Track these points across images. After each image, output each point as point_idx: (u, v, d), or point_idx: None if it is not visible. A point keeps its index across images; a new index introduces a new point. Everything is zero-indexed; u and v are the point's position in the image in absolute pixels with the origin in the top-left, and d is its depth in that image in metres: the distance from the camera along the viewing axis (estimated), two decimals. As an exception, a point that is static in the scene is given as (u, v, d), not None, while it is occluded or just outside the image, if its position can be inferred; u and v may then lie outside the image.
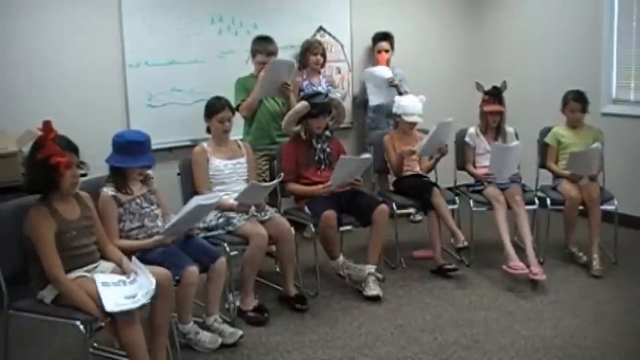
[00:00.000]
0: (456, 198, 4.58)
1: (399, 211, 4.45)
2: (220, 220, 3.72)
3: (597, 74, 5.33)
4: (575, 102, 4.53)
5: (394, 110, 4.68)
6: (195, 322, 3.39)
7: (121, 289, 2.78)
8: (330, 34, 5.57)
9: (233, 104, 4.14)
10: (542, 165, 4.72)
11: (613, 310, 3.75)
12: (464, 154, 4.71)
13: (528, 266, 4.09)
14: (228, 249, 3.60)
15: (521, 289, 4.06)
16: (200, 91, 4.74)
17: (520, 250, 4.27)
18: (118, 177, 3.23)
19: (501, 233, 4.26)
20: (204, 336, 3.36)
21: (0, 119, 4.12)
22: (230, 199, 3.73)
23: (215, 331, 3.42)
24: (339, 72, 5.69)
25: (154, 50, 4.74)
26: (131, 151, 3.19)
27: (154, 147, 3.36)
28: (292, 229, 3.84)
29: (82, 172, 2.93)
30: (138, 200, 3.25)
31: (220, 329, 3.43)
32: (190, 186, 3.85)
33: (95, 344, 3.25)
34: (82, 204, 2.95)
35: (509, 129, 4.64)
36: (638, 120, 5.14)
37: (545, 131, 4.71)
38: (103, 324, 2.77)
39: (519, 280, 4.11)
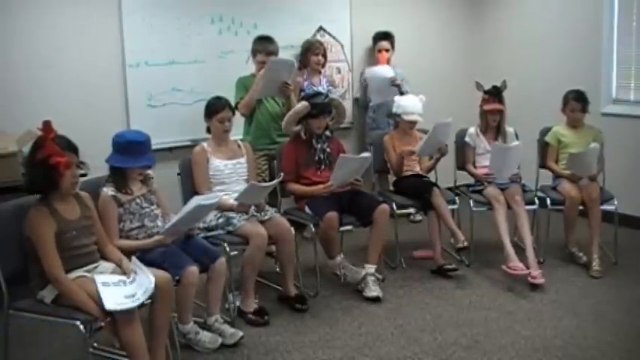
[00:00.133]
0: (456, 198, 4.58)
1: (399, 211, 4.45)
2: (220, 220, 3.72)
3: (597, 74, 5.33)
4: (576, 102, 4.53)
5: (394, 110, 4.67)
6: (196, 322, 3.40)
7: (121, 289, 2.79)
8: (330, 34, 5.57)
9: (233, 103, 4.14)
10: (543, 165, 4.72)
11: (613, 310, 3.75)
12: (464, 154, 4.71)
13: (528, 268, 4.09)
14: (228, 249, 3.60)
15: (521, 289, 4.05)
16: (200, 91, 4.75)
17: (520, 250, 4.27)
18: (118, 177, 3.23)
19: (501, 233, 4.26)
20: (204, 336, 3.37)
21: (0, 119, 4.12)
22: (230, 199, 3.73)
23: (216, 332, 3.42)
24: (339, 72, 5.69)
25: (154, 50, 4.74)
26: (131, 151, 3.19)
27: (154, 147, 3.36)
28: (292, 229, 3.84)
29: (82, 172, 2.93)
30: (138, 200, 3.25)
31: (221, 329, 3.43)
32: (190, 186, 3.85)
33: (95, 344, 3.25)
34: (82, 204, 2.95)
35: (510, 129, 4.63)
36: (638, 120, 5.14)
37: (546, 131, 4.71)
38: (103, 324, 2.77)
39: (519, 280, 4.10)
